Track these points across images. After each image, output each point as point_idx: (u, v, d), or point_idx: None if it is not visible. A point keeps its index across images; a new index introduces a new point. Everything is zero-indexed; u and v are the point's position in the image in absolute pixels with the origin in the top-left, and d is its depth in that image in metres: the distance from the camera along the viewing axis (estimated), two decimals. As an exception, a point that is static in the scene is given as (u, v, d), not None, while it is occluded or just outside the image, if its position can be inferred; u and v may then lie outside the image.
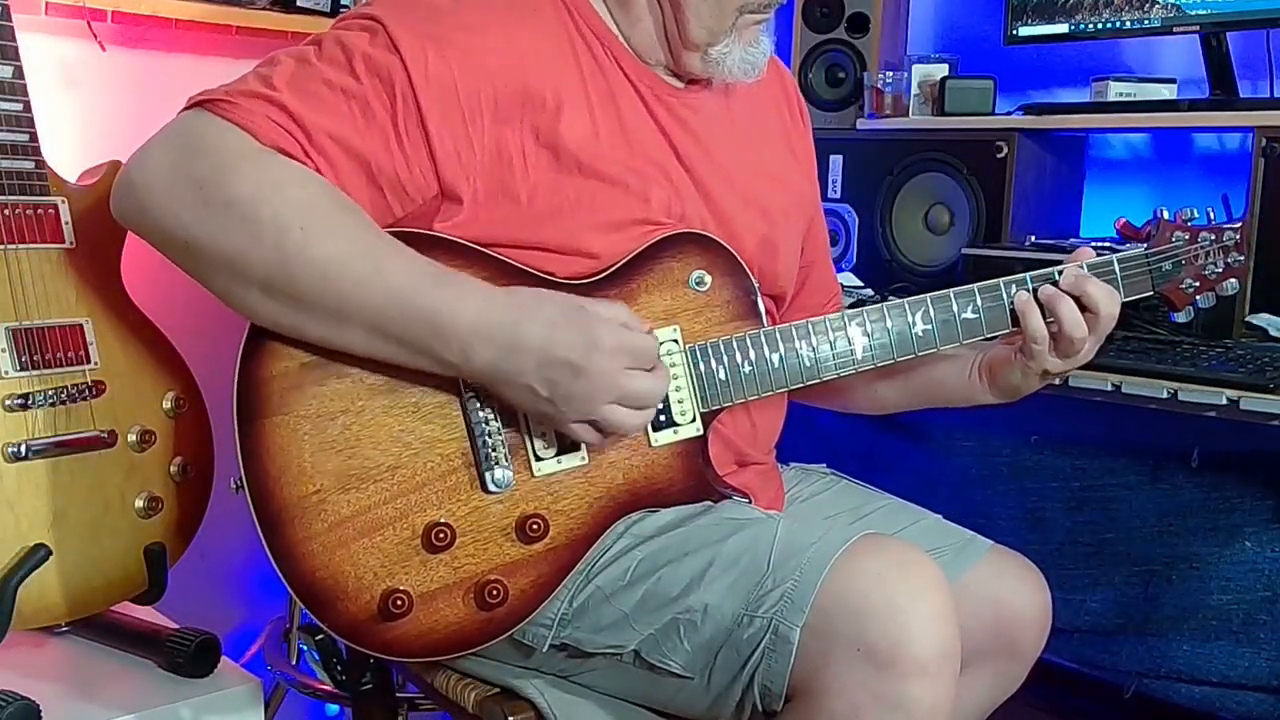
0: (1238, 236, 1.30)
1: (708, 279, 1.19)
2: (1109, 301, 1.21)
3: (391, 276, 1.03)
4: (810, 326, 1.20)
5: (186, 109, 1.08)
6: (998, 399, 1.31)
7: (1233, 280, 1.31)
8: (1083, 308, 1.20)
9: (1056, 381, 1.31)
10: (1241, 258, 1.31)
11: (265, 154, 1.04)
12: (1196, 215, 1.30)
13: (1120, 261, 1.26)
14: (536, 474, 1.13)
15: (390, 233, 1.10)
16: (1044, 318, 1.21)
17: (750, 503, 1.22)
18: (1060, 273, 1.22)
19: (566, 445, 1.13)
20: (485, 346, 1.04)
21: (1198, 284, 1.30)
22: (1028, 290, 1.22)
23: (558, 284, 1.15)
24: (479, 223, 1.13)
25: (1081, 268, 1.23)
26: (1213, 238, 1.30)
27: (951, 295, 1.23)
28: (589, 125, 1.16)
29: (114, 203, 1.10)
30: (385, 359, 1.07)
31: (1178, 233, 1.30)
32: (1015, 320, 1.22)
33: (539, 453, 1.13)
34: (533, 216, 1.13)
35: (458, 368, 1.06)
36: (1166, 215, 1.30)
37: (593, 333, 1.04)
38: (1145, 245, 1.29)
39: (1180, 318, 1.32)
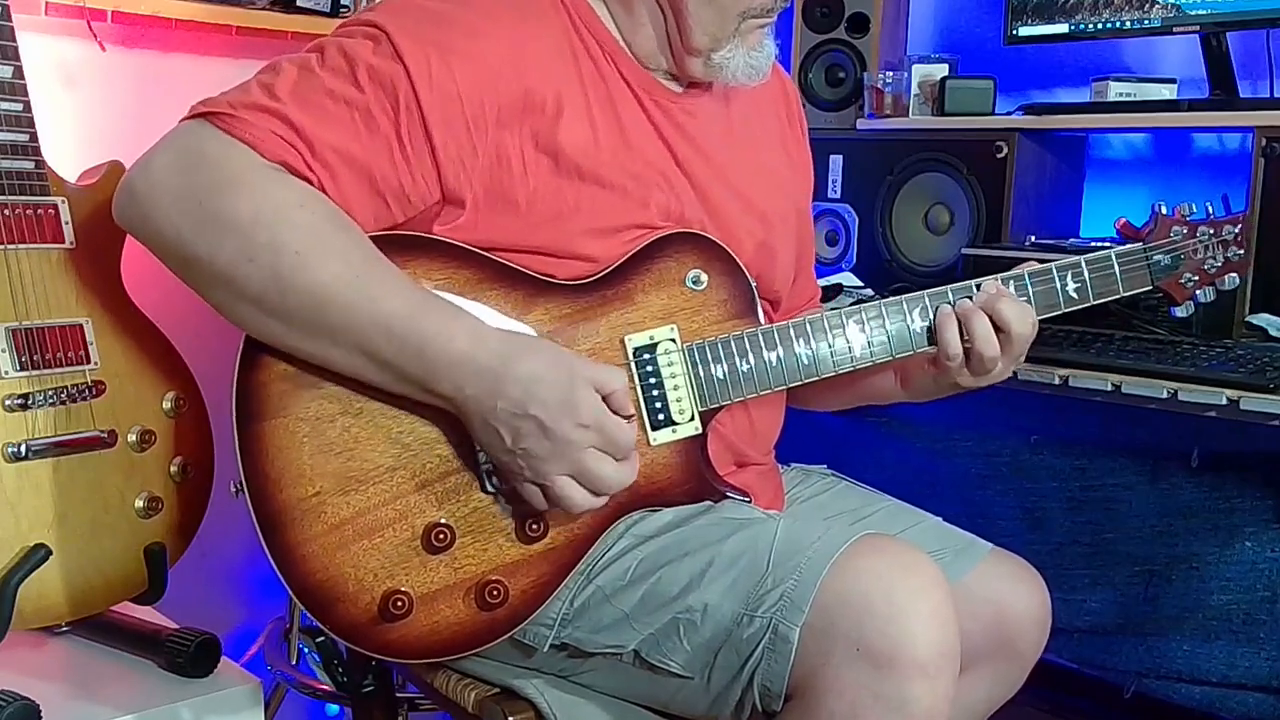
0: (1237, 230, 1.31)
1: (704, 278, 1.19)
2: (1020, 320, 1.18)
3: (385, 305, 1.03)
4: (808, 325, 1.20)
5: (190, 118, 1.08)
6: (909, 400, 1.32)
7: (1233, 274, 1.31)
8: (995, 326, 1.19)
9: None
10: (1241, 252, 1.31)
11: (267, 172, 1.04)
12: (1195, 210, 1.30)
13: (1118, 256, 1.27)
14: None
15: (391, 236, 1.11)
16: (960, 334, 1.19)
17: (750, 502, 1.22)
18: (979, 286, 1.21)
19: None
20: (468, 381, 1.03)
21: (1197, 278, 1.30)
22: (949, 304, 1.21)
23: (557, 286, 1.15)
24: (479, 227, 1.13)
25: (1002, 283, 1.21)
26: (1212, 232, 1.30)
27: (949, 291, 1.23)
28: (588, 130, 1.16)
29: (116, 209, 1.10)
30: (376, 384, 1.07)
31: (1176, 227, 1.30)
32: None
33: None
34: (532, 221, 1.13)
35: (443, 399, 1.06)
36: (1165, 210, 1.30)
37: (572, 397, 1.03)
38: (1144, 241, 1.29)
39: (1180, 312, 1.32)
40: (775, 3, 1.19)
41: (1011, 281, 1.23)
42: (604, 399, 1.05)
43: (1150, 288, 1.29)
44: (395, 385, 1.07)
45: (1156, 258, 1.28)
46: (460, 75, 1.10)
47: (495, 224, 1.13)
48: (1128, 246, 1.28)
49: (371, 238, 1.08)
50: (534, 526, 1.11)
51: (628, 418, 1.07)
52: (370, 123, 1.08)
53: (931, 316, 1.21)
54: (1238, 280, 1.31)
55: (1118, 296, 1.27)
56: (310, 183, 1.06)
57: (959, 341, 1.19)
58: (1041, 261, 1.25)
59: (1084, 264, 1.24)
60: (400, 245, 1.10)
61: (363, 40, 1.10)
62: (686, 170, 1.22)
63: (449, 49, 1.10)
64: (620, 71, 1.20)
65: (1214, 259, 1.30)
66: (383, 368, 1.05)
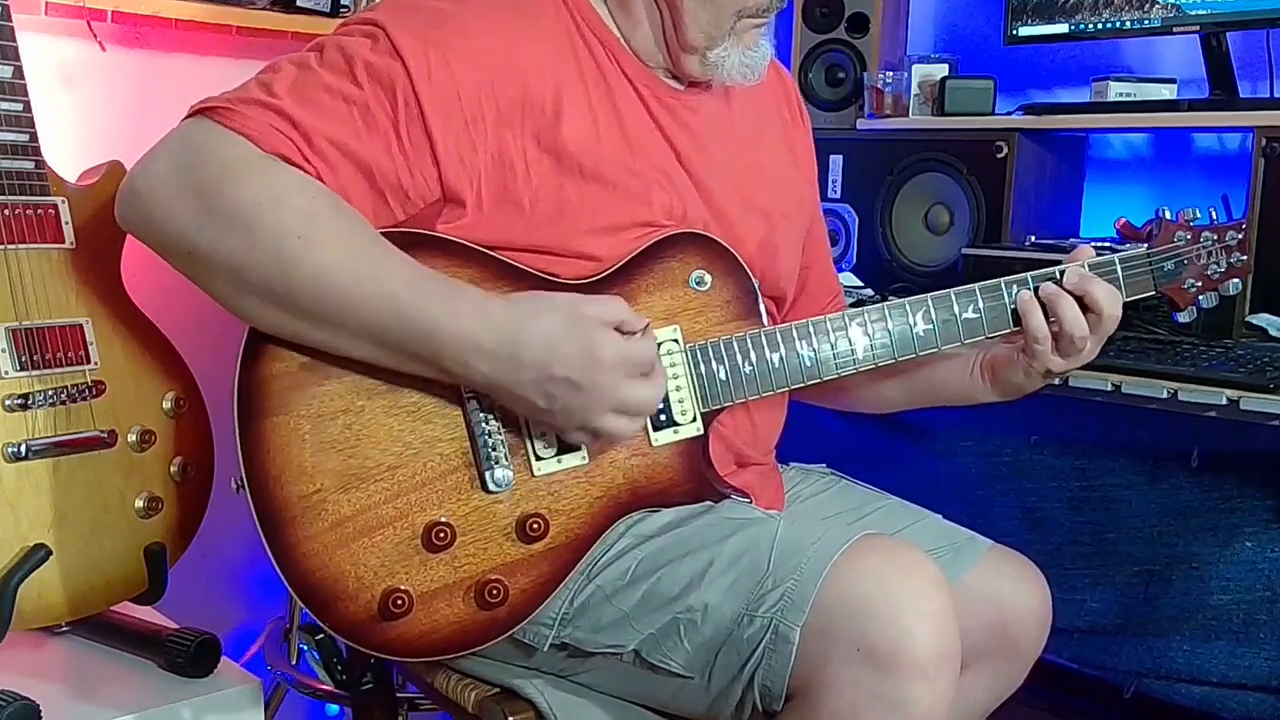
0: (1240, 236, 1.30)
1: (708, 279, 1.19)
2: (1112, 302, 1.21)
3: (389, 285, 1.03)
4: (811, 326, 1.20)
5: (189, 117, 1.08)
6: (999, 398, 1.31)
7: (1235, 280, 1.31)
8: (1085, 308, 1.20)
9: (1057, 381, 1.31)
10: (1245, 257, 1.31)
11: (266, 162, 1.04)
12: (1199, 215, 1.30)
13: (1122, 261, 1.26)
14: (537, 473, 1.13)
15: (393, 234, 1.10)
16: (1046, 317, 1.21)
17: (751, 502, 1.22)
18: (1062, 272, 1.22)
19: (566, 445, 1.13)
20: (483, 358, 1.04)
21: (1200, 284, 1.30)
22: (1029, 289, 1.22)
23: (560, 284, 1.15)
24: (481, 226, 1.13)
25: (1083, 267, 1.23)
26: (1215, 237, 1.30)
27: (952, 295, 1.23)
28: (590, 128, 1.16)
29: (118, 210, 1.10)
30: (387, 366, 1.08)
31: (1180, 232, 1.29)
32: (1016, 320, 1.22)
33: (539, 452, 1.13)
34: (535, 220, 1.14)
35: (457, 376, 1.07)
36: (1169, 215, 1.30)
37: (592, 346, 1.04)
38: (1147, 245, 1.29)
39: (1183, 318, 1.32)
40: (771, 3, 1.19)
41: (1016, 285, 1.23)
42: (615, 329, 1.07)
43: (1153, 293, 1.29)
44: (407, 366, 1.07)
45: (1160, 263, 1.28)
46: (459, 73, 1.10)
47: (498, 223, 1.13)
48: (1131, 251, 1.28)
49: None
50: (534, 526, 1.11)
51: (641, 330, 1.09)
52: (369, 119, 1.08)
53: (982, 308, 1.22)
54: (1240, 286, 1.31)
55: (1120, 301, 1.26)
56: (308, 175, 1.06)
57: (1046, 324, 1.20)
58: (1041, 264, 1.24)
59: (1087, 269, 1.24)
60: (404, 243, 1.10)
61: (361, 38, 1.10)
62: (689, 167, 1.22)
63: (448, 47, 1.10)
64: (622, 69, 1.20)
65: (1217, 264, 1.30)
66: (392, 349, 1.05)
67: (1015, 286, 1.23)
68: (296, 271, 1.02)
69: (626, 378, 1.07)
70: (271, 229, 1.02)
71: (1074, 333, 1.20)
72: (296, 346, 1.08)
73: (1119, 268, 1.26)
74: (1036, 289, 1.22)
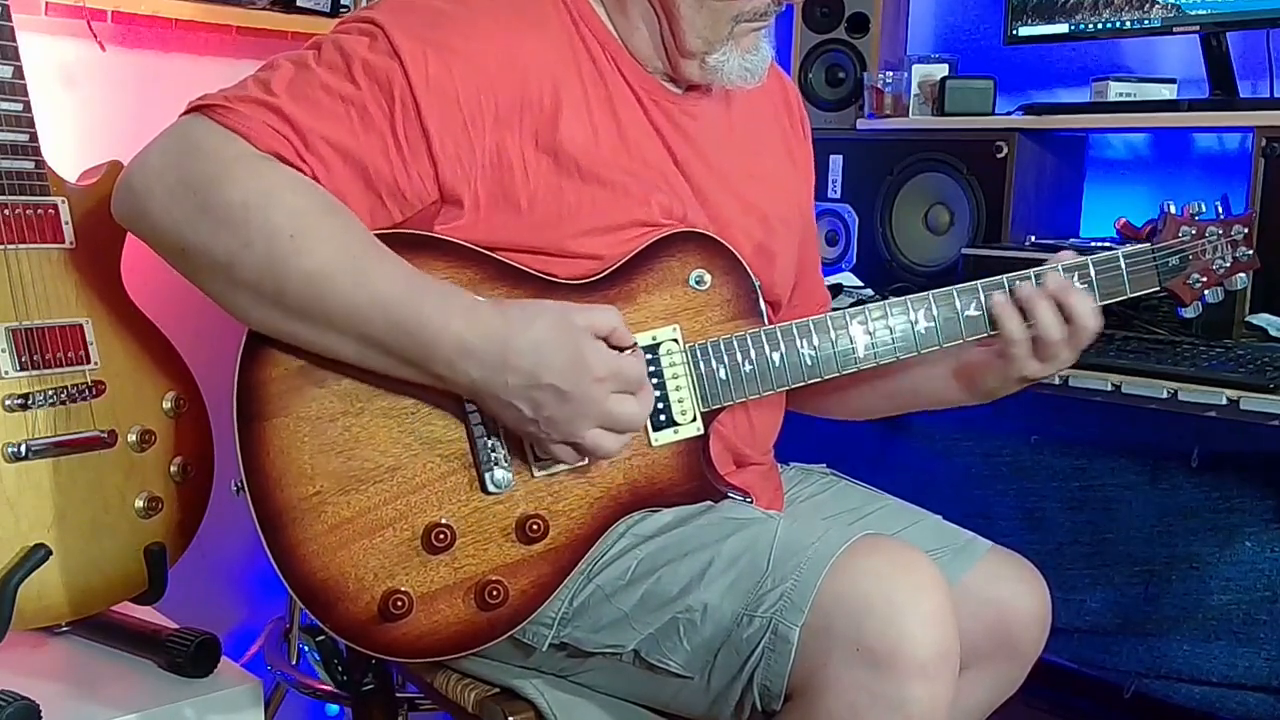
0: (1246, 230, 1.30)
1: (707, 278, 1.19)
2: (1090, 314, 1.20)
3: (380, 287, 1.03)
4: (812, 325, 1.20)
5: (186, 113, 1.09)
6: (973, 402, 1.31)
7: (1241, 275, 1.30)
8: (1064, 317, 1.19)
9: (1057, 380, 1.31)
10: (1250, 252, 1.30)
11: (260, 160, 1.04)
12: (1204, 209, 1.29)
13: (1126, 256, 1.25)
14: (536, 474, 1.13)
15: (391, 235, 1.10)
16: (1023, 319, 1.20)
17: (751, 502, 1.22)
18: (1038, 276, 1.21)
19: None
20: (472, 363, 1.04)
21: (1205, 279, 1.29)
22: (1004, 292, 1.21)
23: (559, 285, 1.15)
24: (479, 227, 1.13)
25: (1072, 277, 1.22)
26: (1220, 232, 1.29)
27: (954, 292, 1.22)
28: (588, 130, 1.16)
29: (114, 205, 1.10)
30: (376, 369, 1.07)
31: (1185, 227, 1.28)
32: (994, 324, 1.22)
33: (538, 453, 1.13)
34: (533, 221, 1.13)
35: (445, 380, 1.06)
36: (1173, 210, 1.28)
37: (581, 356, 1.04)
38: (1151, 241, 1.28)
39: (1188, 313, 1.31)
40: (770, 7, 1.18)
41: (996, 288, 1.23)
42: (605, 341, 1.06)
43: (1157, 289, 1.28)
44: (397, 370, 1.07)
45: (1164, 258, 1.27)
46: (458, 74, 1.10)
47: (497, 224, 1.13)
48: (1135, 247, 1.26)
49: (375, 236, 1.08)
50: (534, 526, 1.11)
51: (630, 347, 1.08)
52: (365, 118, 1.08)
53: (976, 307, 1.21)
54: (1246, 281, 1.30)
55: (1124, 298, 1.26)
56: (303, 174, 1.06)
57: (1024, 327, 1.20)
58: (1040, 262, 1.24)
59: (1090, 265, 1.23)
60: (402, 243, 1.10)
61: (359, 37, 1.10)
62: (685, 171, 1.22)
63: (446, 47, 1.10)
64: (621, 72, 1.20)
65: (1222, 259, 1.29)
66: (382, 352, 1.05)
67: (997, 287, 1.21)
68: (287, 271, 1.02)
69: (614, 392, 1.06)
70: (263, 228, 1.02)
71: (1049, 336, 1.19)
72: (295, 349, 1.08)
73: (1123, 263, 1.25)
74: (1012, 290, 1.21)
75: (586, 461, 1.11)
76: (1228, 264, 1.29)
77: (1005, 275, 1.22)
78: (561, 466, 1.13)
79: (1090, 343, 1.22)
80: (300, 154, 1.06)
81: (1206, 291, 1.30)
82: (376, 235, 1.09)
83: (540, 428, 1.06)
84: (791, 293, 1.39)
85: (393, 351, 1.05)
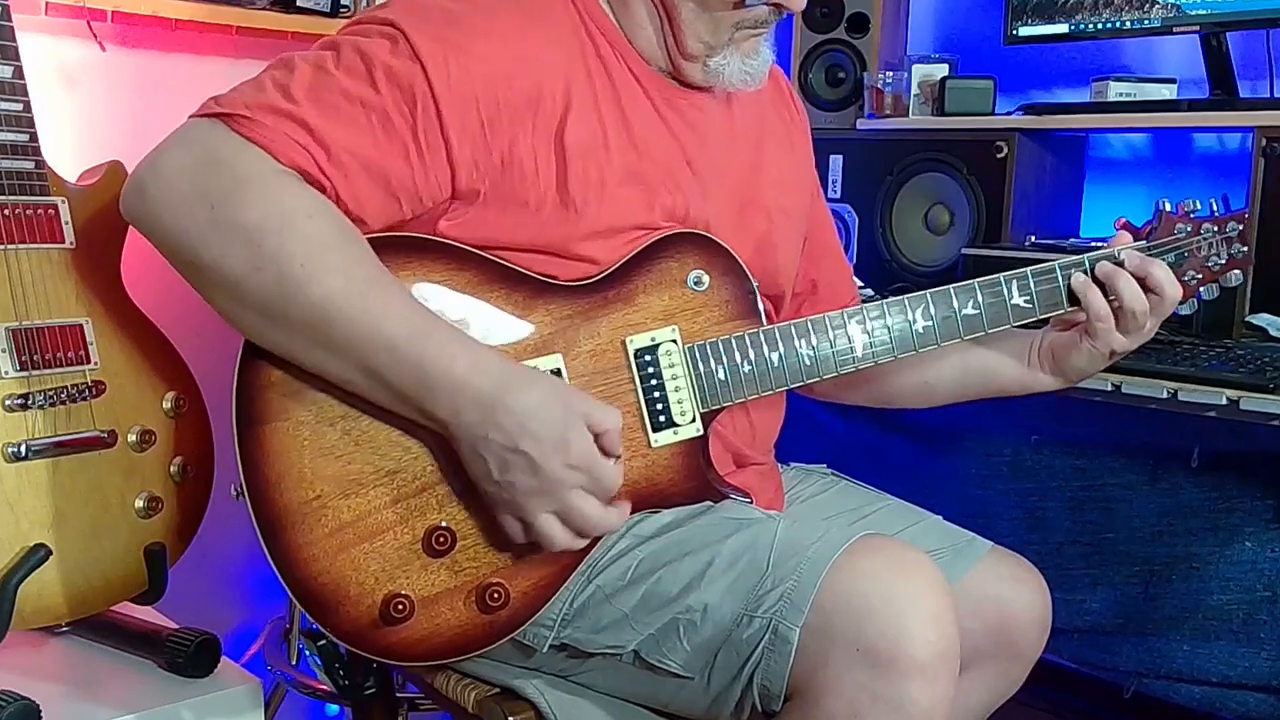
0: (1241, 227, 1.30)
1: (706, 279, 1.19)
2: (1171, 281, 1.23)
3: (386, 324, 1.03)
4: (810, 324, 1.20)
5: (204, 115, 1.07)
6: (1059, 384, 1.32)
7: (1236, 271, 1.31)
8: (1146, 289, 1.22)
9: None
10: (1245, 248, 1.31)
11: (279, 179, 1.04)
12: (1199, 207, 1.30)
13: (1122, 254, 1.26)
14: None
15: (393, 238, 1.10)
16: (1106, 296, 1.22)
17: (751, 502, 1.22)
18: (1118, 254, 1.24)
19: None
20: (467, 406, 1.03)
21: (1201, 276, 1.30)
22: (1085, 272, 1.23)
23: (559, 286, 1.15)
24: (485, 224, 1.13)
25: (1009, 282, 1.23)
26: (1216, 229, 1.30)
27: (951, 291, 1.23)
28: (596, 130, 1.15)
29: (124, 204, 1.09)
30: (372, 400, 1.07)
31: (1180, 224, 1.29)
32: (1073, 300, 1.23)
33: None
34: (540, 221, 1.13)
35: (438, 421, 1.05)
36: (1169, 207, 1.29)
37: (565, 437, 1.03)
38: (1148, 239, 1.29)
39: (1184, 310, 1.31)
40: (770, 15, 1.19)
41: (1015, 280, 1.23)
42: (596, 438, 1.05)
43: None
44: (391, 403, 1.06)
45: (1160, 255, 1.28)
46: (476, 75, 1.09)
47: (502, 222, 1.13)
48: (1132, 244, 1.28)
49: (373, 239, 1.08)
50: (535, 528, 1.11)
51: (617, 458, 1.07)
52: (387, 125, 1.07)
53: (1028, 290, 1.23)
54: (1241, 277, 1.31)
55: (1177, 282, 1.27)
56: (324, 187, 1.06)
57: (1106, 303, 1.22)
58: (1041, 264, 1.24)
59: (1088, 262, 1.24)
60: (402, 246, 1.10)
61: (379, 39, 1.09)
62: (694, 165, 1.22)
63: (465, 49, 1.09)
64: (630, 69, 1.20)
65: (1218, 256, 1.30)
66: (381, 385, 1.05)
67: (1058, 270, 1.23)
68: (296, 299, 1.02)
69: (583, 487, 1.05)
70: (276, 254, 1.01)
71: (1135, 308, 1.21)
72: (294, 354, 1.08)
73: (1059, 272, 1.25)
74: (1093, 268, 1.23)
75: (526, 541, 1.09)
76: (1223, 261, 1.30)
77: (1085, 255, 1.24)
78: None
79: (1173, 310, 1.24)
80: (322, 167, 1.05)
81: (1202, 289, 1.31)
82: (378, 237, 1.09)
83: (501, 491, 1.05)
84: (814, 283, 1.39)
85: (393, 386, 1.04)
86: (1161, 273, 1.22)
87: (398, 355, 1.03)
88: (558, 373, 1.13)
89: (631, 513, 1.15)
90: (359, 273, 1.04)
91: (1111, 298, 1.22)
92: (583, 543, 1.08)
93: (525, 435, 1.02)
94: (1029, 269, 1.24)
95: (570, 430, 1.03)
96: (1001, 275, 1.24)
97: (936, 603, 1.00)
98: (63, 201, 1.46)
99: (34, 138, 1.43)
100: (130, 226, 1.13)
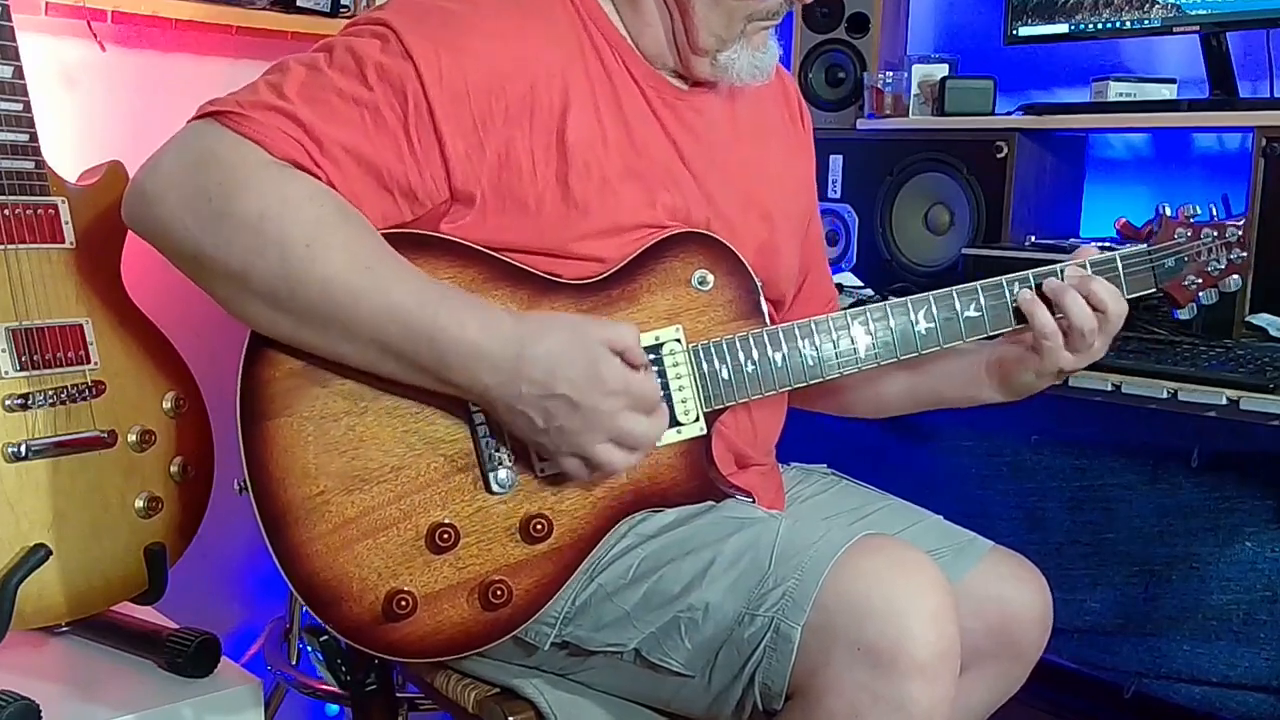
0: (1240, 232, 1.31)
1: (710, 278, 1.19)
2: (1114, 298, 1.21)
3: (395, 294, 1.03)
4: (813, 325, 1.20)
5: (198, 118, 1.08)
6: (1005, 398, 1.31)
7: (1235, 277, 1.31)
8: (1092, 306, 1.20)
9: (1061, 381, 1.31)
10: (1244, 254, 1.31)
11: (276, 168, 1.04)
12: (1199, 211, 1.30)
13: (1123, 258, 1.27)
14: (540, 474, 1.13)
15: (398, 234, 1.10)
16: (1052, 313, 1.21)
17: (753, 502, 1.22)
18: (1063, 271, 1.23)
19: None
20: (485, 369, 1.04)
21: (1200, 280, 1.30)
22: (1030, 287, 1.22)
23: (563, 285, 1.15)
24: (486, 226, 1.13)
25: (1084, 267, 1.23)
26: (1215, 234, 1.30)
27: (954, 293, 1.23)
28: (596, 129, 1.16)
29: (126, 211, 1.10)
30: (389, 376, 1.07)
31: (1180, 229, 1.30)
32: (1019, 319, 1.22)
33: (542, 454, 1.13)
34: (541, 221, 1.13)
35: (458, 388, 1.06)
36: (1169, 212, 1.30)
37: (595, 368, 1.04)
38: (1148, 242, 1.29)
39: (1183, 314, 1.32)
40: (781, 6, 1.19)
41: (1017, 283, 1.23)
42: (620, 356, 1.06)
43: (1154, 290, 1.29)
44: (409, 376, 1.07)
45: (1161, 260, 1.28)
46: (470, 73, 1.10)
47: (503, 224, 1.13)
48: (1132, 249, 1.28)
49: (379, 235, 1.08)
50: (538, 526, 1.11)
51: (643, 366, 1.08)
52: (379, 121, 1.08)
53: (984, 307, 1.22)
54: (1240, 283, 1.31)
55: (1123, 299, 1.27)
56: (319, 179, 1.06)
57: (1053, 320, 1.21)
58: (1042, 264, 1.25)
59: (1089, 267, 1.24)
60: (407, 243, 1.10)
61: (371, 39, 1.10)
62: (692, 168, 1.22)
63: (458, 48, 1.10)
64: (628, 69, 1.20)
65: (1217, 261, 1.30)
66: (396, 358, 1.05)
67: (1016, 284, 1.23)
68: (302, 280, 1.02)
69: (627, 408, 1.06)
70: (279, 237, 1.02)
71: (1083, 326, 1.20)
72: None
73: (1120, 265, 1.26)
74: (1039, 285, 1.22)
75: (592, 476, 1.10)
76: (1222, 266, 1.30)
77: (1029, 271, 1.23)
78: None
79: (1120, 327, 1.23)
80: (315, 159, 1.06)
81: (1201, 293, 1.31)
82: (383, 233, 1.09)
83: (551, 438, 1.06)
84: (797, 291, 1.40)
85: (407, 358, 1.05)
86: (1102, 289, 1.20)
87: (408, 326, 1.03)
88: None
89: (634, 511, 1.16)
90: (362, 249, 1.05)
91: (1059, 315, 1.21)
92: (640, 457, 1.10)
93: (558, 380, 1.03)
94: (978, 283, 1.23)
95: (598, 362, 1.04)
96: (956, 289, 1.23)
97: (937, 602, 1.00)
98: (63, 201, 1.46)
99: (34, 138, 1.43)
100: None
